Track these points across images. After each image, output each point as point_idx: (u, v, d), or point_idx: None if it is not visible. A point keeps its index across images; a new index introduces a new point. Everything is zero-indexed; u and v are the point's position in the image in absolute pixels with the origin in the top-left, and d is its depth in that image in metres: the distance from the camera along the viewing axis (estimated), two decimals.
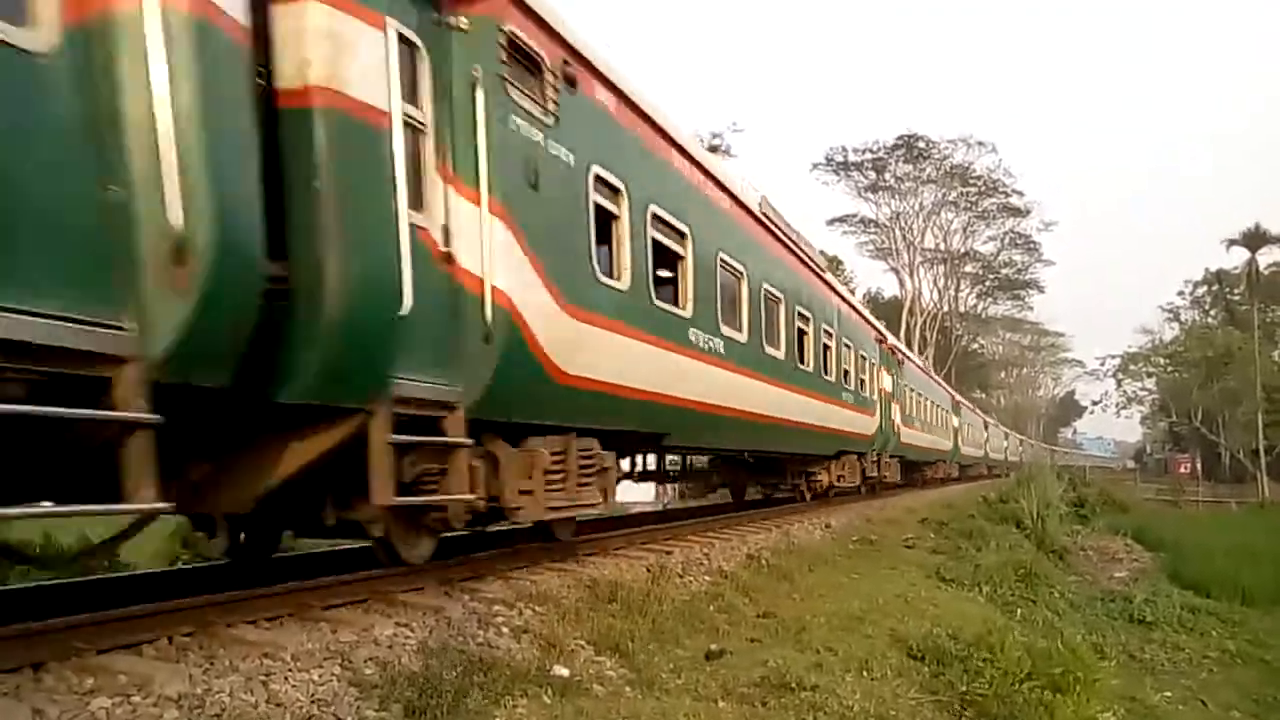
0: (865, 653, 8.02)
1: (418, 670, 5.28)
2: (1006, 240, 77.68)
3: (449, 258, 6.65)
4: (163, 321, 4.27)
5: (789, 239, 15.65)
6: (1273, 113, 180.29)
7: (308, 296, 5.18)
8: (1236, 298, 72.45)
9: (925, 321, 73.41)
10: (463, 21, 6.65)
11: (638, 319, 9.39)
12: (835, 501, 21.46)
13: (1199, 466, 69.83)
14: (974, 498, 29.80)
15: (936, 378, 42.81)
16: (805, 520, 16.52)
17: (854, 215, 74.00)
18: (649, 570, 9.10)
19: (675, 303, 10.71)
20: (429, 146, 6.50)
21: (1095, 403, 73.33)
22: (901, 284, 74.96)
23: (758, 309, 13.66)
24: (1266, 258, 62.46)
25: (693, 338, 10.94)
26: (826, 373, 18.34)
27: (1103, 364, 71.91)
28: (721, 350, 11.90)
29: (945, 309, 79.61)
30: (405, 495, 6.27)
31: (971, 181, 71.15)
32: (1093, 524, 32.16)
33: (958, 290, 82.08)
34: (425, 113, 6.46)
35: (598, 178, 8.56)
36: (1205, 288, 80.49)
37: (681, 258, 10.82)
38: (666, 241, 10.33)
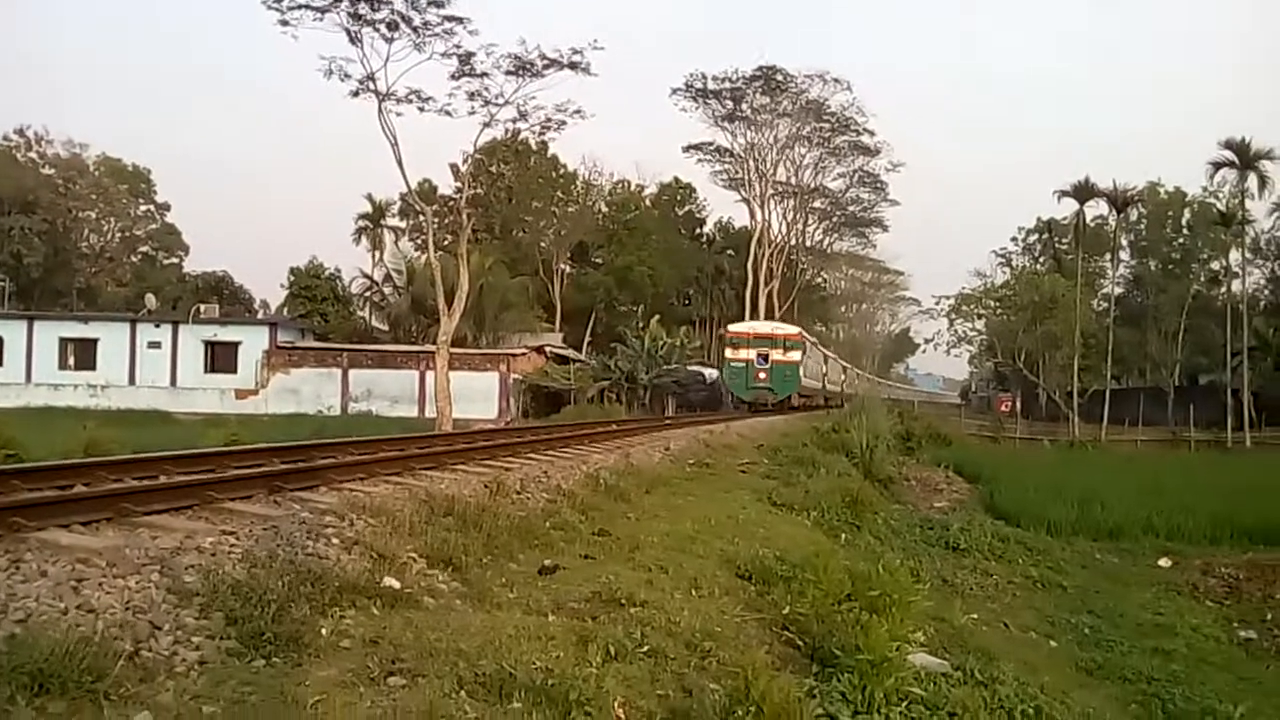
0: (695, 572, 8.25)
1: (242, 579, 5.15)
2: (855, 178, 79.17)
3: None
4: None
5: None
6: (1112, 66, 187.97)
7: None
8: (1064, 247, 75.96)
9: (773, 254, 74.49)
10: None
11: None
12: None
13: (1019, 405, 73.31)
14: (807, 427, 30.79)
15: None
16: (646, 444, 16.77)
17: (710, 144, 74.07)
18: (486, 486, 9.10)
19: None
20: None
21: (928, 341, 75.88)
22: (752, 215, 75.62)
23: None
24: (1093, 210, 65.52)
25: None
26: None
27: (938, 303, 74.23)
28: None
29: (793, 243, 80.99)
30: None
31: (825, 117, 71.94)
32: (918, 456, 33.57)
33: (805, 224, 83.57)
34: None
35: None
36: (1036, 235, 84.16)
37: None
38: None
